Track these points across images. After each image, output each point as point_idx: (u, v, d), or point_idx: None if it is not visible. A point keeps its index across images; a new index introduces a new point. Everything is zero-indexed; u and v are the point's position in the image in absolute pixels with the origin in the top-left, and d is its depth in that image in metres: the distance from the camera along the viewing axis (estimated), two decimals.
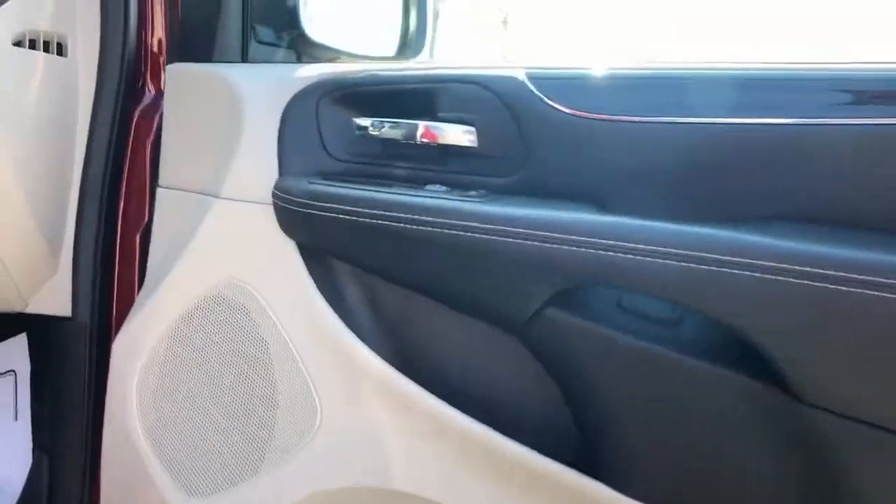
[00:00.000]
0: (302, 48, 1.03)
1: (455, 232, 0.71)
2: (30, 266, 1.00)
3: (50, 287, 1.03)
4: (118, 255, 1.03)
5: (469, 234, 0.70)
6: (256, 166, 0.87)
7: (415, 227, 0.73)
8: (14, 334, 1.14)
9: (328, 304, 0.81)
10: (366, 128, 0.84)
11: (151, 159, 1.02)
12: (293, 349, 0.83)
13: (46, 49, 0.96)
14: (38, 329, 1.09)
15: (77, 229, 1.01)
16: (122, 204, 1.03)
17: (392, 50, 1.17)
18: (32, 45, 0.94)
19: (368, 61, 1.12)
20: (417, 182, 0.81)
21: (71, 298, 1.02)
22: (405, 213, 0.74)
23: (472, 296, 0.74)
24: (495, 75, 0.79)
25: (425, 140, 0.80)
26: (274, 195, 0.85)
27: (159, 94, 1.02)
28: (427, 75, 0.86)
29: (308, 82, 0.89)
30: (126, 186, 1.03)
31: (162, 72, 1.02)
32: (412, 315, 0.80)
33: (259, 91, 0.89)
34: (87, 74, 1.00)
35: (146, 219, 1.03)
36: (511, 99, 0.77)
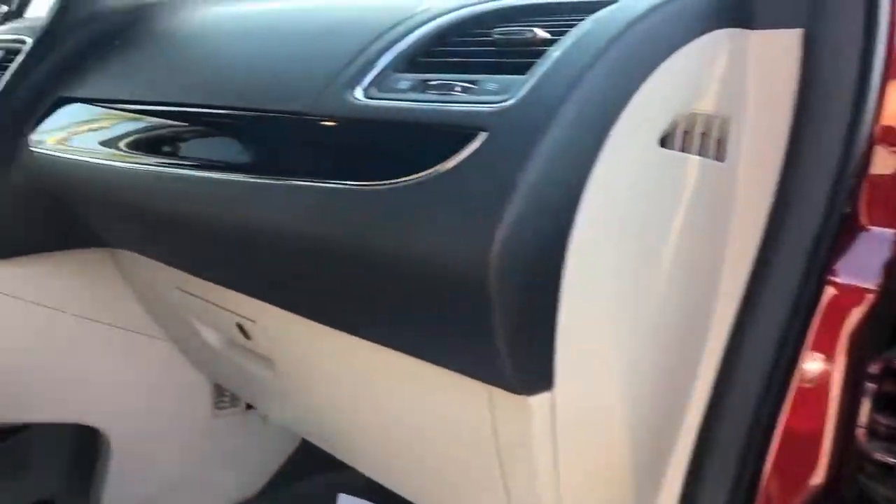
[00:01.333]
0: None
1: None
2: None
3: None
4: None
5: None
6: None
7: None
8: None
9: None
10: None
11: (854, 368, 0.50)
12: None
13: (701, 149, 0.51)
14: None
15: (689, 485, 0.54)
16: (774, 445, 0.53)
17: None
18: (683, 142, 0.50)
19: None
20: None
21: None
22: None
23: None
24: None
25: None
26: None
27: None
28: None
29: None
30: (791, 415, 0.52)
31: None
32: None
33: None
34: (751, 193, 0.52)
35: (821, 483, 0.52)
36: None
